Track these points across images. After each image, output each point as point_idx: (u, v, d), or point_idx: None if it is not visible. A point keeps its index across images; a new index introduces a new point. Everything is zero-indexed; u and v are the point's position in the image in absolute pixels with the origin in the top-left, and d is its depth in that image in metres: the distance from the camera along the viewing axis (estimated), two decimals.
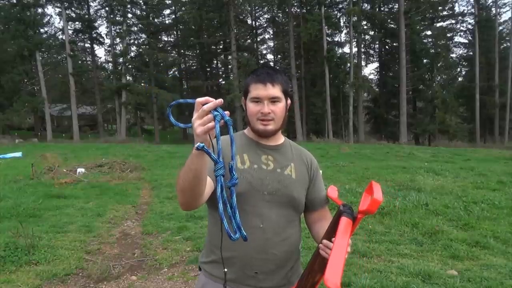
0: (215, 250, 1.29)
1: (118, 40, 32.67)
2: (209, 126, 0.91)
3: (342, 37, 39.65)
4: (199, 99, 0.93)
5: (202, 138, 0.93)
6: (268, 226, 1.27)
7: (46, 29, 34.27)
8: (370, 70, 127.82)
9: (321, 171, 1.51)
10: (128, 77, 32.35)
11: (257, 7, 38.16)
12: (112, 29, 33.03)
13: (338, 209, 1.10)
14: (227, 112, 0.93)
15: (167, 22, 39.13)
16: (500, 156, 16.22)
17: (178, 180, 1.10)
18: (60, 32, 35.65)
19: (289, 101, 1.38)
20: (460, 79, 38.28)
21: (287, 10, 32.93)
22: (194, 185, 1.05)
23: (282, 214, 1.30)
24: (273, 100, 1.28)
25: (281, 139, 1.41)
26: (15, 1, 28.97)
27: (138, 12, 34.74)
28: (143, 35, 35.31)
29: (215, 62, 41.19)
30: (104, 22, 35.63)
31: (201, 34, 36.86)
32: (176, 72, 42.12)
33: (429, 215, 5.45)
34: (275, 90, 1.28)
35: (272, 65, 39.83)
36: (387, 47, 38.88)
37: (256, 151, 1.34)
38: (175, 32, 40.39)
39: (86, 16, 34.68)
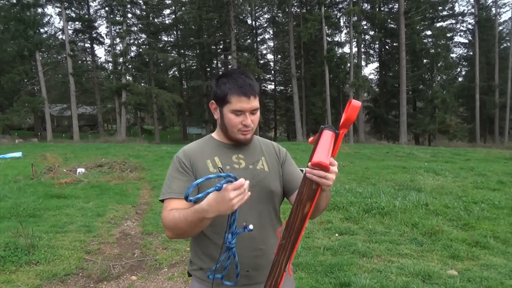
0: (203, 257, 1.32)
1: (118, 40, 32.66)
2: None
3: (342, 37, 39.86)
4: (246, 183, 1.02)
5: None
6: (251, 223, 1.25)
7: (46, 29, 34.33)
8: (370, 70, 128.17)
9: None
10: (128, 77, 32.33)
11: (257, 7, 38.18)
12: (112, 29, 33.04)
13: (319, 129, 1.10)
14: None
15: (167, 22, 39.16)
16: (500, 156, 16.23)
17: (178, 229, 1.19)
18: (60, 32, 35.71)
19: None
20: (460, 79, 38.28)
21: (287, 10, 32.95)
22: (198, 231, 1.21)
23: (263, 208, 1.33)
24: (253, 111, 1.30)
25: None
26: (15, 1, 28.95)
27: (138, 12, 34.78)
28: (143, 35, 35.33)
29: (215, 62, 41.21)
30: (104, 22, 35.67)
31: (201, 34, 36.87)
32: (176, 72, 42.16)
33: (429, 215, 5.44)
34: (256, 102, 1.30)
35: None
36: (387, 47, 38.88)
37: (226, 152, 1.36)
38: (175, 32, 40.42)
39: (86, 16, 34.70)
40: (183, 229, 1.17)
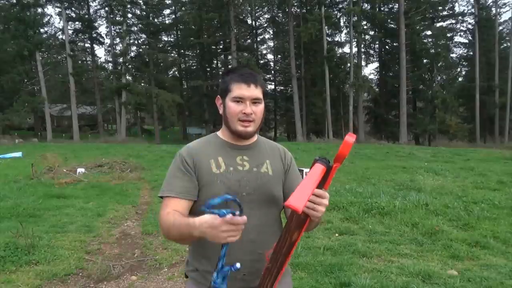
0: (199, 258, 1.30)
1: (118, 40, 32.70)
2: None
3: (342, 37, 39.74)
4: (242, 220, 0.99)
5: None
6: (251, 226, 1.23)
7: (46, 29, 34.34)
8: (370, 70, 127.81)
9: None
10: (128, 77, 32.34)
11: (257, 7, 38.15)
12: (112, 29, 33.05)
13: (313, 160, 1.09)
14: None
15: (167, 22, 39.14)
16: (500, 156, 16.22)
17: (171, 235, 1.20)
18: (60, 32, 35.73)
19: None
20: (460, 79, 38.29)
21: (287, 10, 32.93)
22: (190, 242, 1.25)
23: (264, 212, 1.30)
24: (255, 101, 1.28)
25: (254, 137, 1.40)
26: (15, 1, 28.96)
27: (138, 12, 34.78)
28: (143, 35, 35.34)
29: (215, 62, 41.21)
30: (104, 22, 35.69)
31: (201, 34, 36.85)
32: (176, 72, 42.12)
33: (429, 215, 5.44)
34: (257, 91, 1.28)
35: (272, 65, 39.72)
36: (387, 47, 38.86)
37: (230, 153, 1.33)
38: (175, 32, 40.38)
39: (86, 16, 34.70)
40: (175, 237, 1.19)
